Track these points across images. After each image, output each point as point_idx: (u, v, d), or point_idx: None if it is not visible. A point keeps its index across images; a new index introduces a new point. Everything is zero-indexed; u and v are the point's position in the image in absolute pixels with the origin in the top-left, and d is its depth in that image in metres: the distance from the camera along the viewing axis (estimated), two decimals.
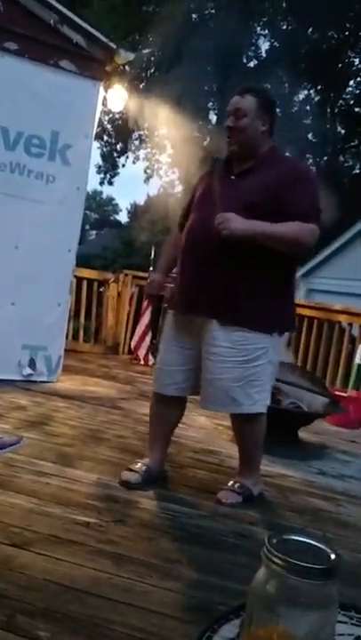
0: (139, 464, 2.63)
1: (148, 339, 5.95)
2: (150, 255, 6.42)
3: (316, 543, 0.98)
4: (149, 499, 2.45)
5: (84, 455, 2.87)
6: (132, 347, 6.12)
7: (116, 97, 4.88)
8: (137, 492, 2.49)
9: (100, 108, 4.45)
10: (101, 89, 4.38)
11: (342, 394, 4.65)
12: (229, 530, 2.27)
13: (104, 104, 4.67)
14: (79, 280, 5.76)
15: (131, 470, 2.60)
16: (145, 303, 6.05)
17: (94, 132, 4.47)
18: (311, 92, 15.86)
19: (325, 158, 16.72)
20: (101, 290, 6.28)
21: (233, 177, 2.45)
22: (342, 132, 17.05)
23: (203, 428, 3.77)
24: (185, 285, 2.51)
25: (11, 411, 3.45)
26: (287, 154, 2.55)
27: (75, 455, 2.85)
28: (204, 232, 2.39)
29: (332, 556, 0.97)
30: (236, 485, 2.57)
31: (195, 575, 1.89)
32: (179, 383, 2.58)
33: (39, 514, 2.15)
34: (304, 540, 1.00)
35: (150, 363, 5.91)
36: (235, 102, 2.41)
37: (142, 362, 5.91)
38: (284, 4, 14.22)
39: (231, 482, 2.61)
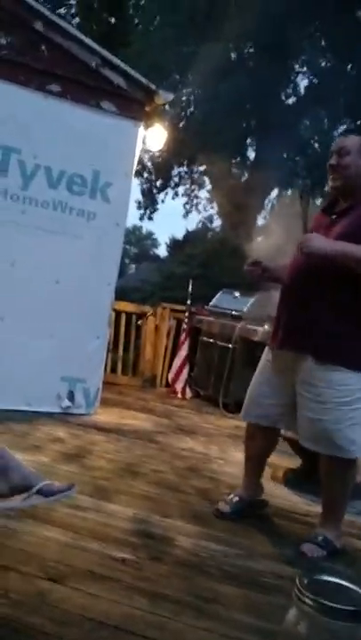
0: (231, 495, 2.78)
1: (185, 372, 5.95)
2: (188, 288, 6.43)
3: (347, 584, 0.96)
4: (186, 536, 2.43)
5: (120, 489, 2.87)
6: (169, 380, 6.12)
7: (156, 136, 4.98)
8: (174, 530, 2.46)
9: (140, 147, 4.55)
10: (141, 128, 4.49)
11: None
12: (267, 570, 2.23)
13: (144, 143, 4.77)
14: (118, 313, 5.83)
15: (224, 501, 2.75)
16: (182, 336, 6.07)
17: (134, 170, 4.58)
18: (352, 126, 15.90)
19: None
20: (139, 323, 6.32)
21: (334, 216, 2.51)
22: None
23: (241, 464, 3.72)
24: (285, 322, 2.55)
25: (49, 443, 3.48)
26: None
27: (111, 489, 2.85)
28: (300, 270, 2.45)
29: None
30: (320, 539, 2.47)
31: (230, 615, 1.86)
32: (270, 416, 2.64)
33: (75, 548, 2.15)
34: (335, 580, 0.98)
35: (188, 396, 5.91)
36: (339, 142, 2.52)
37: (180, 395, 5.90)
38: (322, 42, 14.39)
39: (314, 533, 2.52)
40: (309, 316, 2.41)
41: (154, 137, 4.91)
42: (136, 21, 14.76)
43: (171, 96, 4.62)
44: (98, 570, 2.01)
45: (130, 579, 1.99)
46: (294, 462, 3.50)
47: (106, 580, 1.95)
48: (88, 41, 4.22)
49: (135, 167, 4.64)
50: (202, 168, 16.60)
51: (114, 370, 6.03)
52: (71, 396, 4.25)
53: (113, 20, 15.02)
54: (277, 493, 3.22)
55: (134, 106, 4.36)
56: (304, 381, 2.44)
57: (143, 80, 4.36)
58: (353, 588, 0.96)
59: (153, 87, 4.36)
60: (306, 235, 2.38)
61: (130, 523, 2.47)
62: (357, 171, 2.46)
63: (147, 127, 4.64)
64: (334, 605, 0.88)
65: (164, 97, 4.47)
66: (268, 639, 1.69)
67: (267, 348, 2.73)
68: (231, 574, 2.15)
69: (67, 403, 4.23)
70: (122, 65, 4.31)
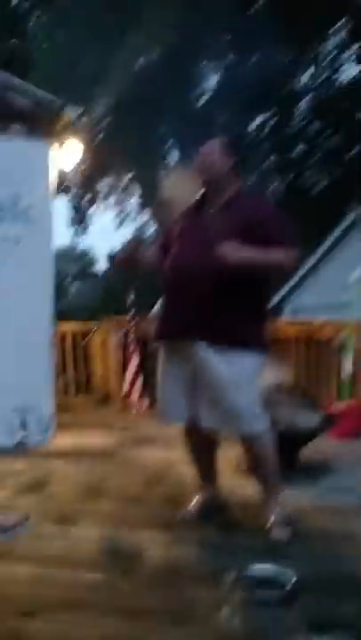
0: (195, 499, 2.76)
1: (139, 382, 5.92)
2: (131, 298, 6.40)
3: (276, 571, 0.98)
4: (156, 546, 2.41)
5: (85, 511, 2.82)
6: (124, 392, 6.08)
7: (73, 151, 4.94)
8: (143, 542, 2.43)
9: (56, 164, 4.50)
10: (56, 145, 4.45)
11: (338, 406, 4.64)
12: (241, 565, 2.22)
13: (61, 159, 4.73)
14: (63, 334, 5.75)
15: (189, 506, 2.73)
16: (131, 347, 6.03)
17: (54, 188, 4.53)
18: (266, 115, 16.20)
19: (291, 177, 16.98)
20: (85, 340, 6.25)
21: (210, 212, 2.60)
22: (302, 150, 17.34)
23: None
24: (176, 313, 2.60)
25: (7, 476, 3.39)
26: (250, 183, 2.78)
27: (76, 512, 2.79)
28: (190, 261, 2.53)
29: (291, 583, 0.96)
30: (278, 518, 2.51)
31: (210, 618, 1.84)
32: (185, 410, 2.60)
33: (45, 579, 2.10)
34: (265, 569, 1.00)
35: (145, 405, 5.87)
36: (203, 147, 2.66)
37: (136, 406, 5.86)
38: (229, 37, 14.62)
39: (272, 516, 2.53)
40: (203, 304, 2.48)
41: (70, 152, 4.88)
42: (39, 38, 14.65)
43: (79, 110, 4.62)
44: (71, 597, 1.97)
45: (105, 600, 1.96)
46: None
47: (80, 606, 1.92)
48: None
49: (56, 185, 4.60)
50: (129, 176, 16.61)
51: (66, 392, 5.95)
52: (24, 426, 4.16)
53: (15, 41, 14.87)
54: (243, 485, 3.21)
55: (44, 125, 4.32)
56: (204, 367, 2.49)
57: (49, 98, 4.33)
58: (283, 574, 0.97)
59: (60, 103, 4.34)
60: (225, 243, 2.37)
61: (98, 543, 2.43)
62: (221, 171, 2.59)
63: (61, 143, 4.60)
64: (261, 595, 0.89)
65: (73, 111, 4.45)
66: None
67: (161, 347, 2.74)
68: (205, 576, 2.13)
69: (21, 433, 4.14)
70: (26, 86, 4.29)
